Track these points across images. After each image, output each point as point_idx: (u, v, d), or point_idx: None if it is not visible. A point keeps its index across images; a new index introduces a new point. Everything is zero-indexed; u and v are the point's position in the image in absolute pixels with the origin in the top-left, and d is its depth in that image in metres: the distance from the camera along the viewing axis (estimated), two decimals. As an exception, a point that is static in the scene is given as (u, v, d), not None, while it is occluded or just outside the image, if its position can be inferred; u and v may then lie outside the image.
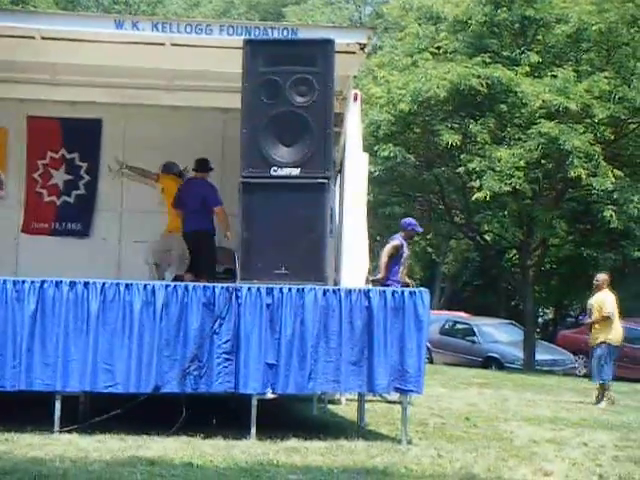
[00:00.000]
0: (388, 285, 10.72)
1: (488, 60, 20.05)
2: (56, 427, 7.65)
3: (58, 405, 7.72)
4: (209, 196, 10.83)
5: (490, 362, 22.50)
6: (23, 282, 7.85)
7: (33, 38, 9.55)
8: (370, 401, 10.30)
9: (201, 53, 9.76)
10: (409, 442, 7.96)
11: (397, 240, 11.73)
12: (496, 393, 13.89)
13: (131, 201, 12.43)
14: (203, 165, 11.09)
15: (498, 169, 19.14)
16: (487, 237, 24.93)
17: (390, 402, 10.71)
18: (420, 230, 12.37)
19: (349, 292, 8.13)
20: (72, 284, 7.91)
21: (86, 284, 7.92)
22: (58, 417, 7.69)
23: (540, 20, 20.75)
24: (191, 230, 10.82)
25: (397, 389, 8.14)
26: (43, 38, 9.54)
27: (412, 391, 8.16)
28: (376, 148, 20.08)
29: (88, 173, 12.55)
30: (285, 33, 9.16)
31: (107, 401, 7.94)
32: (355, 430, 8.42)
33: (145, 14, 32.77)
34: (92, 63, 10.53)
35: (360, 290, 8.23)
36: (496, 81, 19.59)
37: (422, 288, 8.49)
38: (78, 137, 12.48)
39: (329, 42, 8.35)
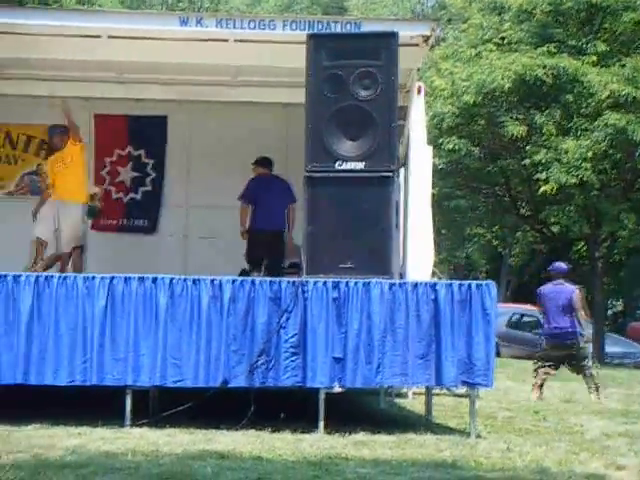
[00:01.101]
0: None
1: (553, 50, 19.83)
2: (127, 421, 7.75)
3: (129, 400, 7.81)
4: (291, 192, 10.81)
5: (558, 355, 22.22)
6: (93, 278, 7.96)
7: (100, 37, 9.67)
8: (437, 394, 10.26)
9: (264, 48, 9.79)
10: (478, 436, 7.91)
11: (573, 286, 12.29)
12: (565, 386, 13.72)
13: (197, 197, 12.51)
14: (270, 163, 11.10)
15: (565, 161, 18.93)
16: (554, 229, 24.66)
17: (457, 395, 10.65)
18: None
19: (415, 285, 8.11)
20: (141, 280, 7.99)
21: (154, 280, 8.00)
22: (129, 411, 7.79)
23: (607, 8, 20.44)
24: (274, 229, 10.74)
25: (465, 382, 8.09)
26: (110, 37, 9.65)
27: (480, 384, 8.10)
28: (440, 141, 19.99)
29: (154, 170, 12.66)
30: (348, 27, 9.14)
31: (176, 395, 8.00)
32: (423, 423, 8.38)
33: (208, 10, 32.97)
34: (157, 60, 10.61)
35: (426, 283, 8.21)
36: (562, 71, 19.37)
37: (488, 280, 8.44)
38: (144, 134, 12.61)
39: (393, 35, 8.32)
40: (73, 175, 10.02)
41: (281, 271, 10.52)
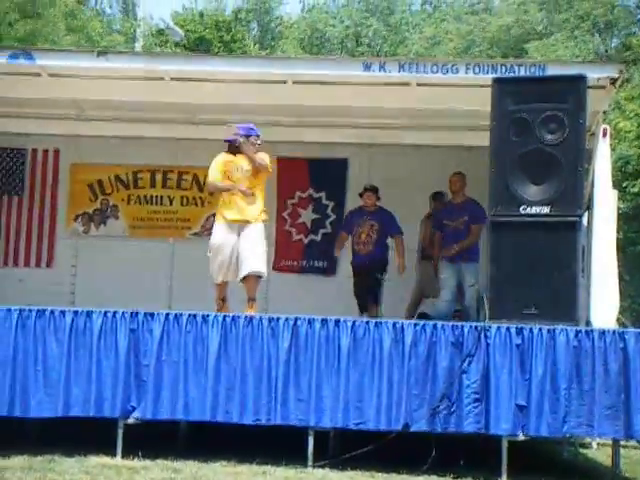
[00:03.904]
0: None
1: None
2: (309, 461, 7.82)
3: (311, 440, 7.87)
4: None
5: None
6: (277, 319, 8.10)
7: (284, 83, 9.92)
8: (624, 446, 9.89)
9: (446, 92, 9.82)
10: (673, 492, 7.60)
11: None
12: None
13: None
14: None
15: None
16: None
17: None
18: None
19: (603, 333, 7.89)
20: (324, 321, 8.07)
21: (337, 322, 8.07)
22: (311, 452, 7.86)
23: None
24: None
25: (657, 436, 7.80)
26: (295, 82, 9.89)
27: (673, 438, 7.79)
28: (625, 184, 19.46)
29: (334, 212, 12.82)
30: (533, 70, 9.09)
31: (354, 437, 8.01)
32: (610, 476, 8.11)
33: (387, 55, 33.34)
34: (339, 104, 10.81)
35: (614, 331, 7.97)
36: None
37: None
38: (325, 177, 12.81)
39: (581, 78, 8.22)
40: None
41: None
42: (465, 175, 11.07)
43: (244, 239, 9.06)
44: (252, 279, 9.07)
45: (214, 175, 9.25)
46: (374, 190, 11.38)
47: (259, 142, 9.20)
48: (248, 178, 9.13)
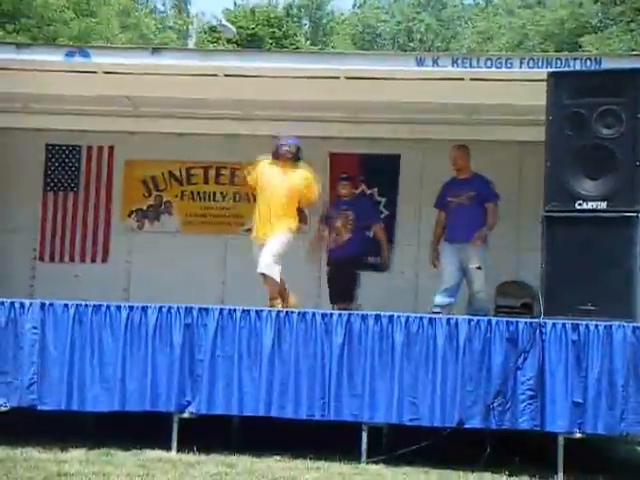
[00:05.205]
0: None
1: None
2: (363, 457, 7.83)
3: (365, 436, 7.88)
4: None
5: None
6: (331, 315, 8.11)
7: (337, 78, 9.91)
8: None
9: (500, 87, 9.74)
10: None
11: None
12: None
13: (428, 235, 12.48)
14: None
15: None
16: None
17: None
18: None
19: (660, 330, 7.79)
20: (377, 317, 8.07)
21: (390, 318, 8.07)
22: (365, 448, 7.86)
23: None
24: None
25: None
26: (347, 78, 9.87)
27: None
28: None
29: (386, 208, 12.77)
30: (588, 64, 8.98)
31: (407, 433, 7.99)
32: (668, 475, 8.02)
33: (439, 50, 33.25)
34: (392, 100, 10.74)
35: (672, 328, 7.87)
36: None
37: None
38: (377, 173, 12.76)
39: (638, 72, 8.12)
40: None
41: None
42: (469, 148, 10.67)
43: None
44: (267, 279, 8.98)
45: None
46: (349, 179, 11.25)
47: (289, 152, 9.34)
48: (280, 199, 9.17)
